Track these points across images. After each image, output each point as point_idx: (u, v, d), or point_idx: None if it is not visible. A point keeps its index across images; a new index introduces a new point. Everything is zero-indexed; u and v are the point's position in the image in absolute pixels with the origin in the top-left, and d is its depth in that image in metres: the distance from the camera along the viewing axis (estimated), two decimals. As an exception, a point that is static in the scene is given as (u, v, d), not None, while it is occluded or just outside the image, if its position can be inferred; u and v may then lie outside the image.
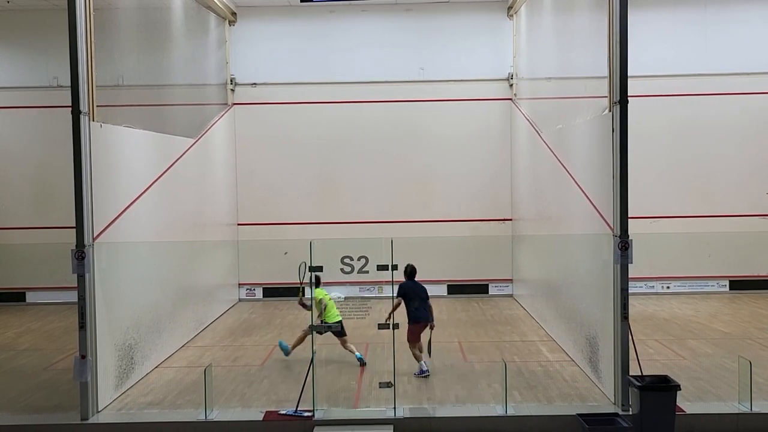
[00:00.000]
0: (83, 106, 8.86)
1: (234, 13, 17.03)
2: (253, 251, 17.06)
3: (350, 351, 11.07)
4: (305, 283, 9.97)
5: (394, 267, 8.78)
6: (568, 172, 11.51)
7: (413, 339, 10.54)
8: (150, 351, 10.97)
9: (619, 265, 8.82)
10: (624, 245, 8.78)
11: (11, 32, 17.00)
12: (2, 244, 16.96)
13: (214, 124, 15.56)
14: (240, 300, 17.25)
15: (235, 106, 17.26)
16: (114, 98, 10.39)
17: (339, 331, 10.77)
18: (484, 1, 17.19)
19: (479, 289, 17.40)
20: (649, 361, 10.37)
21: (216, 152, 15.77)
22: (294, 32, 17.32)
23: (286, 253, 10.20)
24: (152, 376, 10.74)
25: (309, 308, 10.52)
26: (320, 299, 10.81)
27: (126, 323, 10.08)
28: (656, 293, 16.89)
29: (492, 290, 17.42)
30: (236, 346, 12.60)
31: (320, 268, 8.97)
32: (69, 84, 8.83)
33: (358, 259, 8.86)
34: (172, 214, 12.42)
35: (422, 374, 10.37)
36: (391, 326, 9.17)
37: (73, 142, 8.84)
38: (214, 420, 8.75)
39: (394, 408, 8.82)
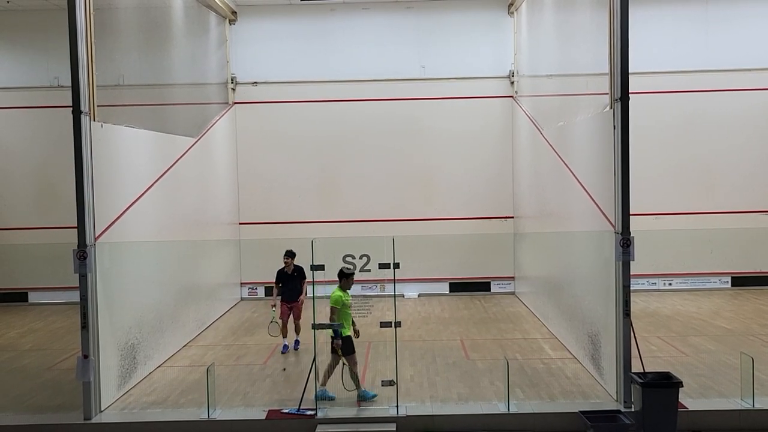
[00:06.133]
0: (84, 106, 8.85)
1: (234, 12, 17.01)
2: (255, 250, 17.05)
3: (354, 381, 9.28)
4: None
5: (396, 265, 8.78)
6: (569, 169, 11.49)
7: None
8: (152, 350, 10.97)
9: (620, 262, 8.82)
10: (626, 242, 8.77)
11: (11, 32, 16.99)
12: (4, 245, 16.97)
13: (215, 123, 15.55)
14: (242, 299, 17.26)
15: (235, 105, 17.25)
16: (115, 98, 10.38)
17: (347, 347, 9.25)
18: (485, -2, 17.21)
19: (481, 286, 17.39)
20: (651, 358, 10.38)
21: (217, 151, 15.76)
22: (295, 31, 17.29)
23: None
24: (155, 375, 10.75)
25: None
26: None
27: (128, 323, 10.09)
28: (658, 290, 16.86)
29: (494, 288, 17.40)
30: (238, 345, 12.60)
31: (322, 267, 8.95)
32: (70, 84, 8.82)
33: (360, 258, 8.85)
34: (174, 214, 12.42)
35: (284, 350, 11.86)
36: (393, 324, 9.15)
37: (74, 142, 8.83)
38: (217, 419, 8.76)
39: (397, 406, 8.83)
